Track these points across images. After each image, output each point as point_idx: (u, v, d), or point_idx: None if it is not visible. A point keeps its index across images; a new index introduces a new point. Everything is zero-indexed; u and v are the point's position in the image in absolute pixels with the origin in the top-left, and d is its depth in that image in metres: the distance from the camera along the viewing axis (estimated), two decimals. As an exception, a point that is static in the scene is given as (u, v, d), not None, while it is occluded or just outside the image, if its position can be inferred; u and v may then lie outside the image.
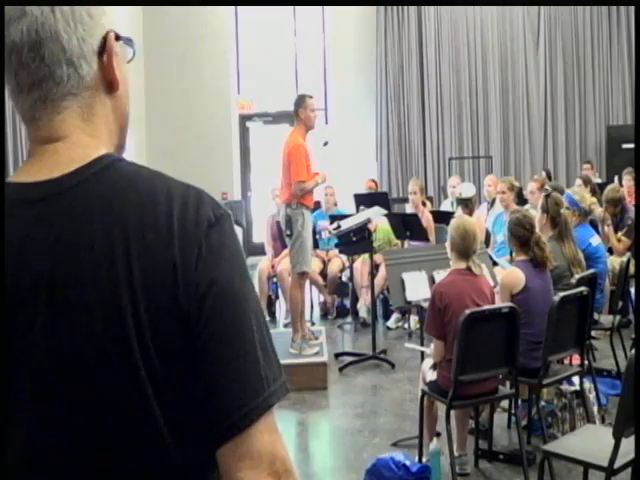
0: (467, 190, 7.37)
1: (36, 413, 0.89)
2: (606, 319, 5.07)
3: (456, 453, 3.69)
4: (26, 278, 0.89)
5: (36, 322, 0.88)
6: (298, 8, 11.56)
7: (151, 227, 0.90)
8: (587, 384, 4.19)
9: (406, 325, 6.87)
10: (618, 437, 2.64)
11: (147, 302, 0.88)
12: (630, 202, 6.90)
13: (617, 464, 2.67)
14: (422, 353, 4.44)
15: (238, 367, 0.90)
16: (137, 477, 0.91)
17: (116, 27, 1.03)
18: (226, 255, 0.92)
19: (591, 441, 3.05)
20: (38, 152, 0.97)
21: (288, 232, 5.48)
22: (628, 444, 2.62)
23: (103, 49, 0.98)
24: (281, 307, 7.66)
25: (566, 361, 4.36)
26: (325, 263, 7.60)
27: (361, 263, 7.19)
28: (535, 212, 4.93)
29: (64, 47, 0.94)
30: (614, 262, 5.72)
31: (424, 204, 7.62)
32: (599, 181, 8.94)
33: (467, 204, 7.16)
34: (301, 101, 5.52)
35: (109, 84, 1.00)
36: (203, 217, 0.92)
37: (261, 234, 8.59)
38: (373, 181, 9.18)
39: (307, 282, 6.25)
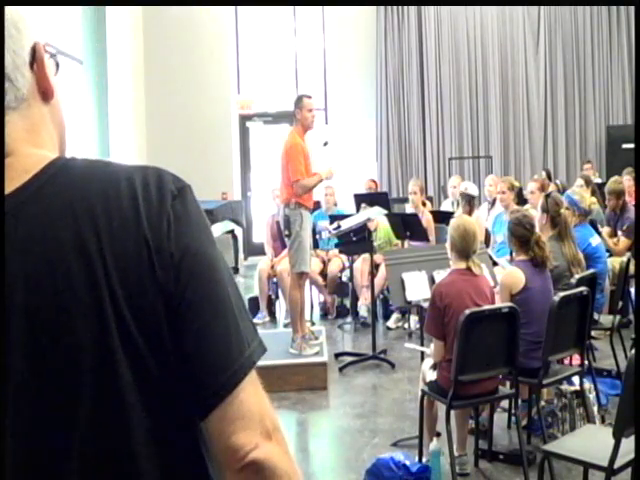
0: (472, 188, 7.42)
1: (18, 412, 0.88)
2: (606, 319, 5.07)
3: (456, 453, 3.69)
4: None
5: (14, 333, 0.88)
6: (298, 8, 11.56)
7: (117, 212, 0.91)
8: (587, 384, 4.19)
9: (406, 325, 6.87)
10: (618, 437, 2.64)
11: (124, 286, 0.89)
12: (630, 202, 6.91)
13: (617, 464, 2.67)
14: (422, 353, 4.44)
15: (219, 329, 0.92)
16: (122, 460, 0.91)
17: (51, 38, 1.03)
18: (194, 223, 0.95)
19: (591, 441, 3.05)
20: None
21: (287, 232, 5.48)
22: (628, 444, 2.62)
23: (33, 59, 0.98)
24: (281, 307, 7.66)
25: (566, 361, 4.36)
26: (325, 263, 7.60)
27: (362, 262, 7.18)
28: (535, 212, 4.94)
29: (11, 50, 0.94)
30: (614, 262, 5.72)
31: (424, 204, 7.62)
32: (599, 181, 8.94)
33: (470, 200, 7.16)
34: (299, 101, 5.52)
35: (44, 93, 1.00)
36: (166, 191, 0.95)
37: (261, 234, 8.59)
38: (373, 181, 9.18)
39: (307, 282, 6.25)
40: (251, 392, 0.93)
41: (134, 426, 0.90)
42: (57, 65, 1.04)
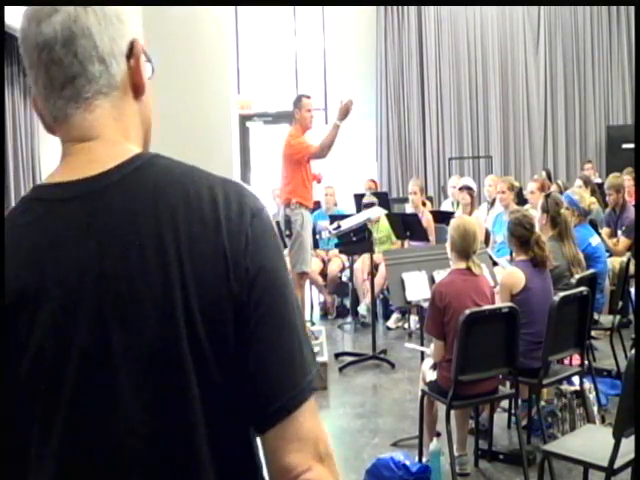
0: (470, 181, 7.51)
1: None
2: (606, 319, 5.07)
3: (456, 453, 3.69)
4: (64, 275, 0.90)
5: (80, 319, 0.89)
6: (298, 8, 11.56)
7: (198, 219, 0.92)
8: (587, 384, 4.19)
9: (406, 325, 6.87)
10: (618, 437, 2.64)
11: (199, 291, 0.90)
12: (630, 202, 6.92)
13: (617, 464, 2.67)
14: (422, 353, 4.44)
15: (286, 349, 0.93)
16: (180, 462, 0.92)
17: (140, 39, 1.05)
18: (270, 244, 0.97)
19: (591, 441, 3.04)
20: (72, 152, 0.98)
21: (287, 232, 5.49)
22: (628, 444, 2.62)
23: (131, 53, 1.00)
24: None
25: (566, 361, 4.36)
26: (325, 263, 7.60)
27: (362, 262, 7.18)
28: (535, 212, 4.93)
29: (96, 44, 0.96)
30: (614, 262, 5.72)
31: (424, 204, 7.62)
32: (599, 181, 8.94)
33: (470, 193, 7.18)
34: (298, 101, 5.54)
35: (136, 88, 1.02)
36: (246, 208, 0.96)
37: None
38: (373, 181, 9.18)
39: (307, 282, 6.25)
40: (309, 416, 0.93)
41: (195, 429, 0.91)
42: (152, 70, 1.07)
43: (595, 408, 4.17)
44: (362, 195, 8.91)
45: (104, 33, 0.96)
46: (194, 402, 0.90)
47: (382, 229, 7.22)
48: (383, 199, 7.88)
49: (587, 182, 7.59)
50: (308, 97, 5.61)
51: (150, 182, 0.94)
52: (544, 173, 9.97)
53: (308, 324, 6.36)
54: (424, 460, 3.79)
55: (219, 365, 0.91)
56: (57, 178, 0.96)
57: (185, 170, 0.99)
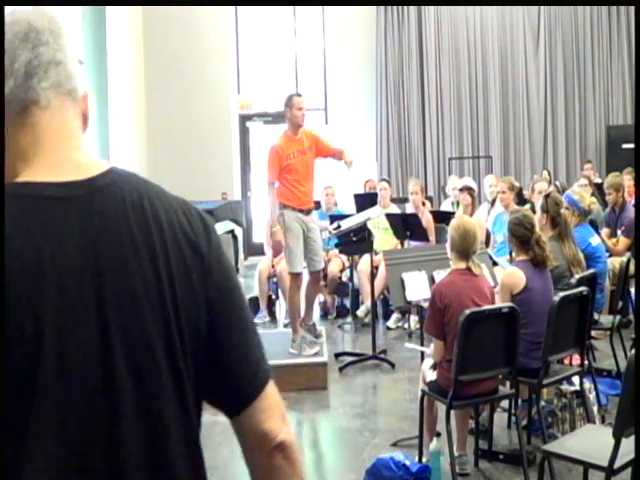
0: (470, 181, 7.50)
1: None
2: (606, 319, 5.07)
3: (456, 453, 3.69)
4: (63, 270, 0.96)
5: (81, 311, 0.96)
6: (298, 8, 11.56)
7: (179, 226, 1.05)
8: (587, 384, 4.18)
9: (406, 325, 6.87)
10: (618, 437, 2.64)
11: (182, 288, 1.03)
12: (630, 202, 6.92)
13: (617, 464, 2.67)
14: (422, 353, 4.44)
15: (252, 343, 1.12)
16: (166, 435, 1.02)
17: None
18: (224, 253, 1.12)
19: (591, 441, 3.04)
20: (50, 150, 1.03)
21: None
22: (628, 444, 2.62)
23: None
24: (281, 307, 7.66)
25: (566, 361, 4.36)
26: (325, 263, 7.60)
27: (365, 263, 7.13)
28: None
29: (73, 52, 1.06)
30: (614, 262, 5.72)
31: (423, 204, 7.62)
32: (599, 181, 8.94)
33: (471, 193, 7.17)
34: (289, 100, 5.53)
35: (84, 119, 1.11)
36: (207, 222, 1.11)
37: (261, 234, 8.59)
38: (373, 181, 9.17)
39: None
40: (272, 388, 1.12)
41: (171, 418, 1.03)
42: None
43: (595, 408, 4.17)
44: (362, 195, 8.93)
45: (72, 56, 1.08)
46: (184, 390, 1.03)
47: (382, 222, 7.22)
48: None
49: (590, 182, 7.62)
50: (299, 95, 5.61)
51: (131, 191, 1.03)
52: (545, 173, 9.98)
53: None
54: (424, 460, 3.79)
55: (194, 356, 1.05)
56: (42, 177, 0.99)
57: (154, 184, 1.09)
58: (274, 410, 1.11)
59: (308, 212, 5.55)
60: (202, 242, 1.07)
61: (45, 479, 0.93)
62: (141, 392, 0.99)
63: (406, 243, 6.96)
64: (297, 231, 5.43)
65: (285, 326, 6.90)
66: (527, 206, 6.45)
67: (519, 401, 3.86)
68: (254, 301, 7.67)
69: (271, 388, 1.11)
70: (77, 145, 1.06)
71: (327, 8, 11.42)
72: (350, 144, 11.03)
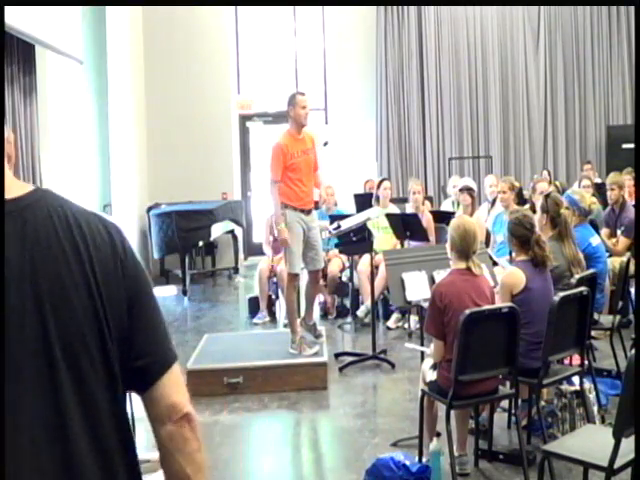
0: (471, 182, 7.51)
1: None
2: (606, 319, 5.06)
3: (456, 453, 3.69)
4: (7, 273, 1.16)
5: (25, 316, 1.16)
6: (298, 8, 11.56)
7: (97, 233, 1.26)
8: (587, 384, 4.19)
9: (406, 325, 6.87)
10: (618, 437, 2.64)
11: (106, 285, 1.24)
12: (629, 201, 6.92)
13: (617, 464, 2.67)
14: (422, 353, 4.44)
15: (160, 324, 1.34)
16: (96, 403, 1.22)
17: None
18: (135, 254, 1.32)
19: (591, 441, 3.05)
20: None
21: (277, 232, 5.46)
22: (628, 444, 2.62)
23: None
24: (281, 307, 7.66)
25: (566, 361, 4.36)
26: (325, 263, 7.60)
27: (365, 263, 7.13)
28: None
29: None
30: (614, 262, 5.72)
31: (423, 203, 7.61)
32: (599, 181, 8.95)
33: (472, 194, 7.17)
34: (291, 99, 5.50)
35: (9, 157, 1.26)
36: (119, 229, 1.32)
37: (261, 234, 8.58)
38: (373, 181, 9.17)
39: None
40: (178, 369, 1.33)
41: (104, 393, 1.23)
42: None
43: (595, 408, 4.17)
44: (362, 195, 8.93)
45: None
46: (112, 369, 1.24)
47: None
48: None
49: (591, 182, 7.64)
50: (302, 94, 5.58)
51: (57, 205, 1.23)
52: (545, 173, 9.98)
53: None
54: (424, 460, 3.79)
55: (117, 344, 1.25)
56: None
57: (70, 202, 1.28)
58: (180, 386, 1.31)
59: (309, 212, 5.56)
60: (118, 246, 1.27)
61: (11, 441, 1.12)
62: (77, 373, 1.18)
63: (406, 243, 6.96)
64: (298, 232, 5.42)
65: (285, 326, 6.90)
66: (527, 206, 6.46)
67: (519, 401, 3.86)
68: (254, 301, 7.67)
69: (177, 368, 1.32)
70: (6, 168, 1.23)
71: (327, 8, 11.42)
72: (349, 144, 11.11)
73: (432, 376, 3.72)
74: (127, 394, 1.31)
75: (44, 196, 1.23)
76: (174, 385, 1.30)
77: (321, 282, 7.44)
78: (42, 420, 1.15)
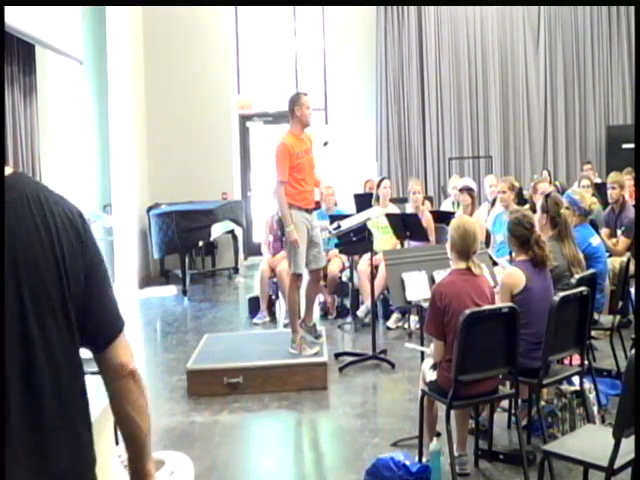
0: (470, 182, 7.50)
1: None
2: (606, 319, 5.06)
3: (456, 453, 3.69)
4: None
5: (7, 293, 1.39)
6: (298, 8, 11.56)
7: (64, 215, 1.48)
8: (587, 384, 4.19)
9: (406, 325, 6.87)
10: (618, 437, 2.64)
11: (70, 259, 1.46)
12: (629, 202, 6.92)
13: (617, 464, 2.67)
14: (422, 353, 4.44)
15: (113, 300, 1.58)
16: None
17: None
18: (93, 235, 1.55)
19: (591, 441, 3.05)
20: None
21: (279, 233, 5.46)
22: (628, 444, 2.62)
23: None
24: (281, 307, 7.66)
25: (566, 361, 4.36)
26: (325, 263, 7.59)
27: (365, 263, 7.13)
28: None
29: None
30: (614, 262, 5.71)
31: (423, 203, 7.61)
32: (599, 181, 8.94)
33: (472, 194, 7.17)
34: (297, 98, 5.48)
35: None
36: (81, 213, 1.53)
37: (261, 234, 8.58)
38: (373, 181, 9.16)
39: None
40: (124, 334, 1.58)
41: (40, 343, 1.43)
42: None
43: (595, 408, 4.17)
44: (362, 195, 8.92)
45: None
46: (73, 331, 1.47)
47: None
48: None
49: (591, 182, 7.64)
50: (305, 94, 5.58)
51: (32, 189, 1.45)
52: (545, 173, 9.98)
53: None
54: (424, 460, 3.79)
55: (75, 310, 1.48)
56: None
57: (42, 186, 1.50)
58: (127, 349, 1.57)
59: (311, 211, 5.59)
60: (81, 228, 1.49)
61: None
62: (43, 326, 1.41)
63: (406, 243, 6.96)
64: (303, 232, 5.44)
65: (285, 326, 6.90)
66: (527, 206, 6.45)
67: (519, 401, 3.86)
68: (254, 301, 7.67)
69: (124, 333, 1.58)
70: None
71: (327, 8, 11.42)
72: (349, 144, 11.11)
73: (432, 376, 3.72)
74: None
75: (20, 179, 1.45)
76: (123, 348, 1.56)
77: (321, 282, 7.45)
78: (14, 359, 1.38)
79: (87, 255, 1.50)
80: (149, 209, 10.01)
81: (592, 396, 4.21)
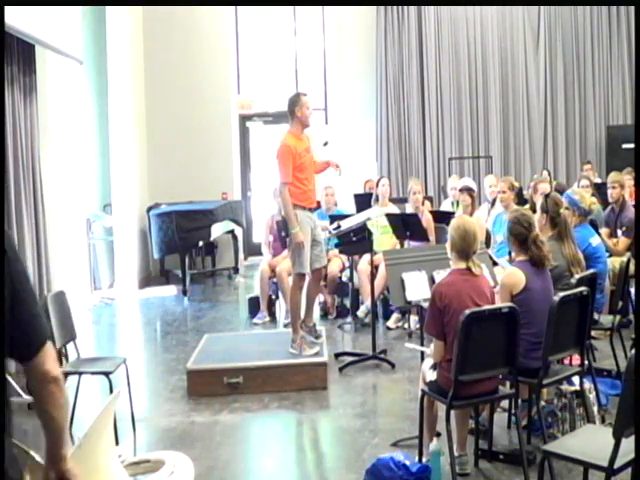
0: (470, 182, 7.50)
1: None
2: (606, 319, 5.06)
3: (456, 453, 3.69)
4: None
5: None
6: (298, 8, 11.56)
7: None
8: (587, 384, 4.19)
9: (406, 325, 6.86)
10: (618, 437, 2.64)
11: (14, 275, 1.70)
12: (629, 202, 6.92)
13: (617, 464, 2.67)
14: (422, 353, 4.44)
15: (39, 311, 1.80)
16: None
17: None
18: (17, 251, 1.77)
19: (591, 441, 3.04)
20: None
21: (283, 233, 5.46)
22: (628, 444, 2.62)
23: None
24: (281, 307, 7.66)
25: (566, 361, 4.36)
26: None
27: (365, 263, 7.13)
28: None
29: None
30: (614, 262, 5.72)
31: (423, 203, 7.60)
32: (599, 181, 8.94)
33: (472, 194, 7.17)
34: (297, 99, 5.48)
35: None
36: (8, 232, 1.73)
37: (261, 234, 8.58)
38: (372, 181, 9.16)
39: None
40: (50, 343, 1.80)
41: None
42: None
43: (595, 408, 4.17)
44: (362, 195, 8.92)
45: None
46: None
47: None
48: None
49: (591, 182, 7.64)
50: (305, 94, 5.58)
51: None
52: (545, 173, 9.97)
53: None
54: (424, 460, 3.79)
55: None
56: None
57: None
58: (51, 357, 1.78)
59: (313, 210, 5.63)
60: (11, 243, 1.72)
61: None
62: None
63: (406, 243, 6.96)
64: (308, 232, 5.46)
65: (285, 326, 6.90)
66: (527, 206, 6.45)
67: (519, 401, 3.86)
68: (254, 301, 7.67)
69: (49, 343, 1.78)
70: None
71: (327, 8, 11.42)
72: (349, 144, 11.11)
73: (432, 376, 3.72)
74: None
75: None
76: (48, 356, 1.77)
77: (321, 282, 7.45)
78: None
79: (12, 269, 1.68)
80: (149, 209, 10.01)
81: (592, 396, 4.20)
